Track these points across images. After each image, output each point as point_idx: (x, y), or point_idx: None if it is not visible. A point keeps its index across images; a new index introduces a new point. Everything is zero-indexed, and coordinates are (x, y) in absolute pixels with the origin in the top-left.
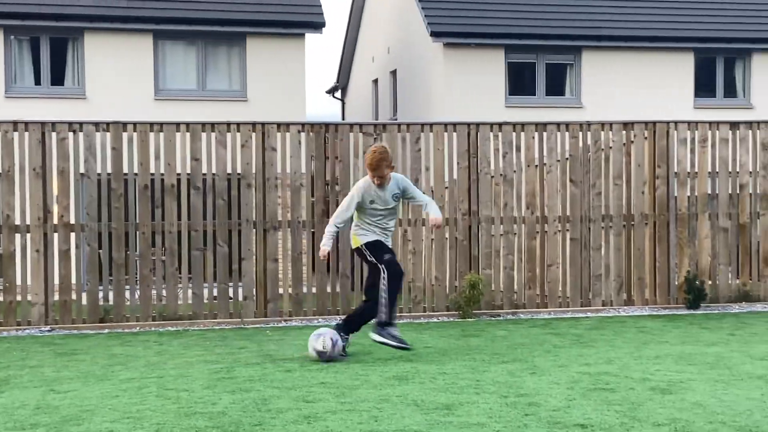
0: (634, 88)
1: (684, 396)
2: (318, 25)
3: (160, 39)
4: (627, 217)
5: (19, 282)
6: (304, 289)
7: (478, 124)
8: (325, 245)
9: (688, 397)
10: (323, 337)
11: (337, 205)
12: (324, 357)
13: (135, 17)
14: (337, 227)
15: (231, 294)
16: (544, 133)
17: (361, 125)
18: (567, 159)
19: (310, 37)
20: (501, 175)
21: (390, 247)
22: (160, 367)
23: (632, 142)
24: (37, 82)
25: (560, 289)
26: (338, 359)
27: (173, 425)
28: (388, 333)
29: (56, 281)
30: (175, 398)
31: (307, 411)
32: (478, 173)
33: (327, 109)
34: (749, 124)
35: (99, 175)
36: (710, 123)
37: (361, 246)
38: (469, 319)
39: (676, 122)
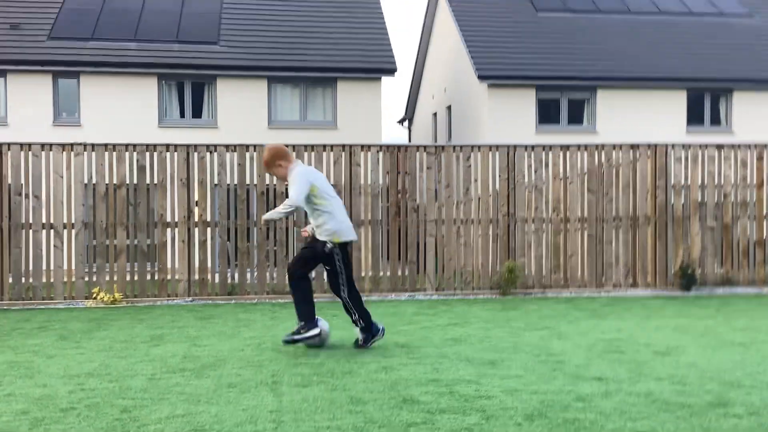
0: (638, 117)
1: (680, 358)
2: (391, 71)
3: (273, 82)
4: (633, 219)
5: (169, 264)
6: (381, 272)
7: (515, 146)
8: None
9: (683, 359)
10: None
11: (407, 209)
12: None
13: (255, 66)
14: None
15: (325, 275)
16: (568, 153)
17: (425, 147)
18: (585, 173)
19: (385, 79)
20: (533, 185)
21: (304, 247)
22: (274, 329)
23: (638, 159)
24: (182, 115)
25: (579, 274)
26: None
27: (285, 371)
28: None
29: (196, 264)
30: (285, 352)
31: (384, 363)
32: (515, 184)
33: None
34: (732, 146)
35: (228, 184)
36: (700, 145)
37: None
38: (508, 297)
39: (673, 144)
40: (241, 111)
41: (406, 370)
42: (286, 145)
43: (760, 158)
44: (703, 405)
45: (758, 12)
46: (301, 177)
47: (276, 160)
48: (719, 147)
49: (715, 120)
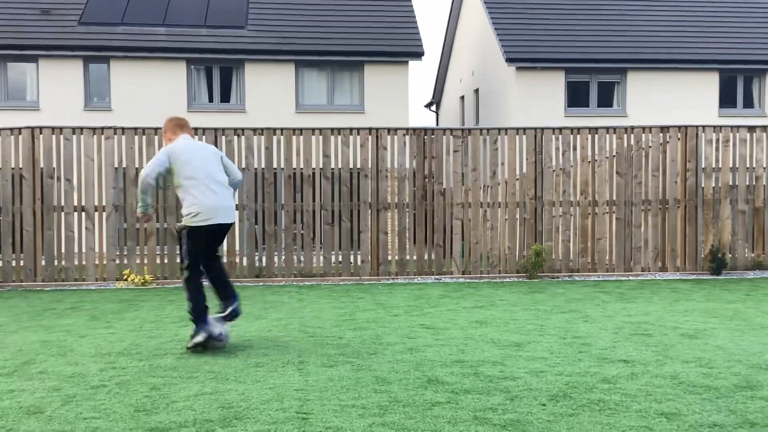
0: (669, 100)
1: (708, 341)
2: (418, 55)
3: (300, 66)
4: (662, 202)
5: None
6: (407, 256)
7: (542, 129)
8: None
9: (711, 342)
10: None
11: (434, 193)
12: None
13: (282, 50)
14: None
15: (352, 259)
16: (596, 136)
17: (452, 129)
18: (614, 156)
19: (412, 63)
20: (560, 168)
21: None
22: (300, 311)
23: (668, 142)
24: (210, 99)
25: (607, 257)
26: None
27: (311, 352)
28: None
29: (225, 247)
30: (312, 333)
31: (410, 345)
32: (543, 167)
33: (425, 120)
34: (764, 128)
35: (255, 168)
36: (732, 127)
37: None
38: (534, 280)
39: (704, 126)
40: (269, 95)
41: (431, 351)
42: (315, 129)
43: None
44: (730, 387)
45: None
46: (159, 154)
47: (165, 132)
48: (751, 129)
49: (748, 102)
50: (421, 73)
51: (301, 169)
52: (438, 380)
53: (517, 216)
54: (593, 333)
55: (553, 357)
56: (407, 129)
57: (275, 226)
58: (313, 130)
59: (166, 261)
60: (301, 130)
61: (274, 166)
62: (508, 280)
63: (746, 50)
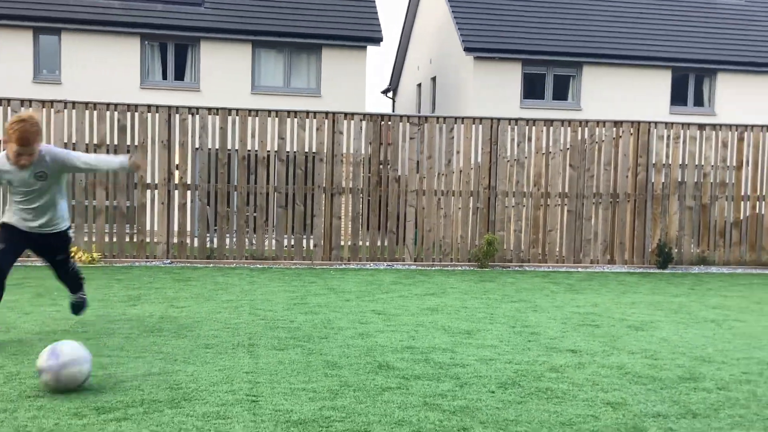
0: (622, 95)
1: (653, 333)
2: (376, 40)
3: (257, 47)
4: (613, 195)
5: (148, 226)
6: (360, 242)
7: (498, 119)
8: None
9: (656, 334)
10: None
11: (388, 179)
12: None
13: (239, 30)
14: None
15: (304, 243)
16: (551, 128)
17: (408, 117)
18: (568, 148)
19: (371, 48)
20: (515, 159)
21: (20, 236)
22: (251, 293)
23: (620, 137)
24: (164, 77)
25: (558, 249)
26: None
27: (261, 335)
28: None
29: (176, 227)
30: (262, 316)
31: (361, 330)
32: (497, 157)
33: (382, 106)
34: (714, 126)
35: (209, 148)
36: (683, 124)
37: None
38: (486, 269)
39: (656, 122)
40: (225, 75)
41: (382, 337)
42: (271, 110)
43: (740, 139)
44: (674, 379)
45: None
46: (71, 152)
47: (40, 137)
48: (701, 127)
49: (699, 101)
50: (379, 59)
51: (256, 150)
52: (389, 366)
53: (471, 205)
54: (542, 322)
55: (503, 345)
56: (364, 114)
57: (227, 208)
58: (269, 111)
59: (114, 239)
60: (257, 111)
61: (228, 147)
62: (460, 268)
63: (699, 50)
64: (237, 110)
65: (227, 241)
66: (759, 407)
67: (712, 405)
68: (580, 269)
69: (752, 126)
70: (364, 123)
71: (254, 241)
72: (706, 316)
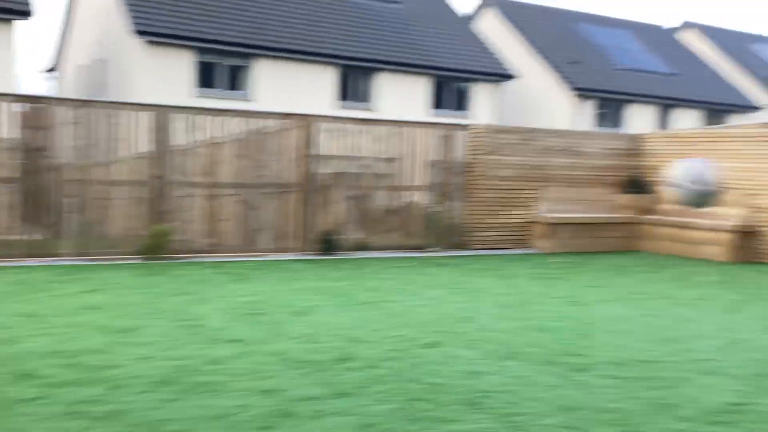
0: (293, 88)
1: (314, 317)
2: (23, 13)
3: None
4: (282, 186)
5: None
6: (11, 236)
7: (168, 107)
8: None
9: (316, 318)
10: None
11: (45, 167)
12: None
13: None
14: None
15: None
16: (222, 118)
17: (67, 100)
18: (239, 139)
19: (22, 23)
20: (186, 148)
21: None
22: None
23: (289, 129)
24: None
25: (230, 239)
26: None
27: None
28: None
29: None
30: None
31: (4, 335)
32: (167, 146)
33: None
34: (373, 121)
35: None
36: (345, 118)
37: None
38: (156, 262)
39: (321, 116)
40: None
41: (29, 342)
42: None
43: (398, 134)
44: (330, 361)
45: (405, 1)
46: None
47: None
48: (363, 121)
49: (361, 96)
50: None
51: None
52: (32, 374)
53: (140, 195)
54: (207, 314)
55: (164, 341)
56: (14, 95)
57: None
58: None
59: None
60: None
61: None
62: (129, 262)
63: (362, 49)
64: None
65: None
66: (401, 382)
67: (360, 383)
68: (251, 258)
69: (407, 122)
70: (12, 105)
71: None
72: (364, 298)
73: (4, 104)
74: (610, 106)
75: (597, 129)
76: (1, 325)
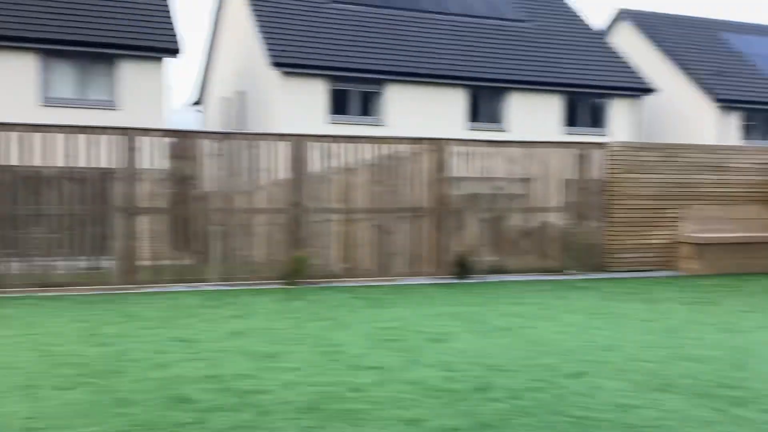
0: (424, 111)
1: (451, 344)
2: (173, 51)
3: (46, 56)
4: (416, 210)
5: None
6: (163, 263)
7: (304, 136)
8: None
9: (454, 345)
10: None
11: (192, 197)
12: None
13: (26, 38)
14: None
15: (101, 266)
16: (355, 144)
17: (211, 133)
18: (372, 165)
19: (171, 60)
20: (321, 175)
21: None
22: (35, 325)
23: (420, 153)
24: None
25: (366, 263)
26: None
27: (44, 374)
28: None
29: None
30: (47, 352)
31: (159, 360)
32: (303, 174)
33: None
34: (502, 143)
35: None
36: (476, 141)
37: None
38: (295, 287)
39: (452, 139)
40: (6, 85)
41: (181, 367)
42: (60, 126)
43: (528, 155)
44: (469, 390)
45: (533, 19)
46: None
47: None
48: (494, 143)
49: (492, 118)
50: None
51: (44, 168)
52: (186, 398)
53: (278, 222)
54: (347, 340)
55: (307, 367)
56: (164, 130)
57: (13, 231)
58: (60, 126)
59: None
60: (45, 126)
61: (12, 162)
62: (269, 287)
63: (492, 70)
64: (22, 125)
65: (11, 266)
66: (546, 414)
67: (503, 415)
68: (386, 283)
69: (539, 142)
70: (162, 139)
71: (43, 267)
72: (498, 324)
73: (156, 139)
74: (757, 117)
75: (744, 142)
76: (158, 350)
